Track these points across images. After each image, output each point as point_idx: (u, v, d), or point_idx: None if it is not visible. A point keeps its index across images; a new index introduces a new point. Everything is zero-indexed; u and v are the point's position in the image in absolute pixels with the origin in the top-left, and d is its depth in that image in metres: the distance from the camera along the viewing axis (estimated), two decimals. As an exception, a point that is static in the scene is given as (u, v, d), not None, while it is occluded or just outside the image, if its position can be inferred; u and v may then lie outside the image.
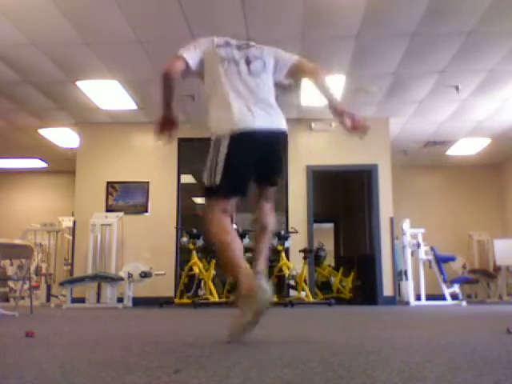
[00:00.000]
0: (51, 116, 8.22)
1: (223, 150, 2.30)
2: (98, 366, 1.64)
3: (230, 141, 2.30)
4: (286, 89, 6.67)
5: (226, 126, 2.33)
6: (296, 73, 2.69)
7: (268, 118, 2.40)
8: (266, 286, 2.13)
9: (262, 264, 2.50)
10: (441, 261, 8.31)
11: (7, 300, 8.42)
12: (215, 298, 7.08)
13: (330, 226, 12.68)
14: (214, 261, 7.42)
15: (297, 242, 7.85)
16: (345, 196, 10.92)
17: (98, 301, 7.59)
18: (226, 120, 2.35)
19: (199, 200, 13.61)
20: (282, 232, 7.71)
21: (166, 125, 2.62)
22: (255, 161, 2.40)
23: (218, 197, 2.34)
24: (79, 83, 6.94)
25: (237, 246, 2.29)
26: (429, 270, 8.38)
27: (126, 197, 8.37)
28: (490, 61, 6.24)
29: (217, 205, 2.33)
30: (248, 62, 2.50)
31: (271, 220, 2.58)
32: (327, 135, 8.45)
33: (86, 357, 1.89)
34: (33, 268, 8.47)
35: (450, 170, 11.05)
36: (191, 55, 2.52)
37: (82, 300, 7.45)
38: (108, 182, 8.39)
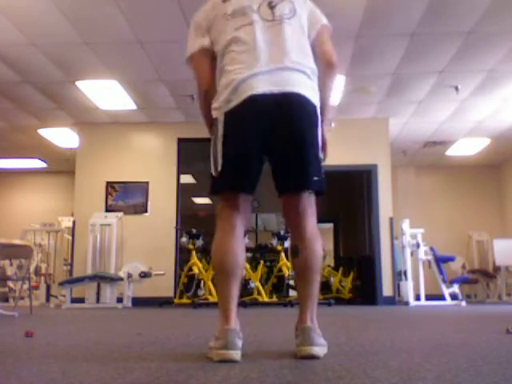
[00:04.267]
0: (51, 116, 8.22)
1: (220, 131, 1.85)
2: (97, 366, 1.64)
3: (225, 117, 1.84)
4: None
5: (221, 101, 1.86)
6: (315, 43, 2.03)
7: (281, 80, 1.82)
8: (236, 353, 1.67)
9: (307, 317, 1.82)
10: (440, 261, 8.32)
11: (7, 300, 8.41)
12: (215, 298, 7.08)
13: (330, 226, 12.69)
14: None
15: (296, 242, 7.83)
16: (344, 196, 10.92)
17: (98, 301, 7.59)
18: (221, 93, 1.87)
19: (199, 200, 13.61)
20: (282, 232, 7.71)
21: None
22: (264, 138, 1.81)
23: (222, 189, 1.88)
24: (79, 83, 6.94)
25: (235, 281, 1.87)
26: (428, 270, 8.38)
27: (126, 197, 8.37)
28: (489, 61, 6.24)
29: (222, 200, 1.90)
30: (271, 6, 1.94)
31: (315, 250, 1.84)
32: (327, 135, 8.44)
33: (86, 357, 1.89)
34: (32, 268, 8.47)
35: (449, 170, 11.05)
36: (196, 45, 2.06)
37: (81, 300, 7.45)
38: (107, 182, 8.39)
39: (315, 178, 1.88)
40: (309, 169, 1.86)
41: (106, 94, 7.33)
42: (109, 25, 5.44)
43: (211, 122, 1.95)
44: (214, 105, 1.90)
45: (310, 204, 1.91)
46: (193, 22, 2.11)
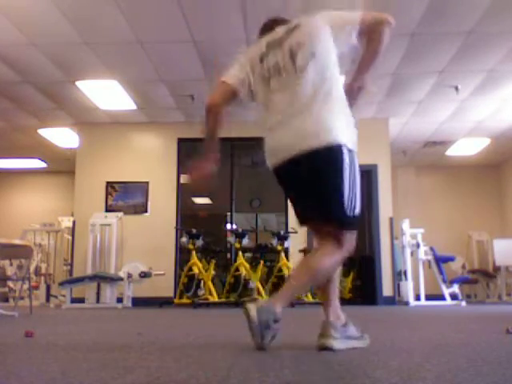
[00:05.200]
0: (51, 116, 8.22)
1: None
2: (97, 366, 1.64)
3: (275, 175, 2.15)
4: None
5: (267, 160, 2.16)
6: (362, 34, 2.09)
7: (293, 140, 2.01)
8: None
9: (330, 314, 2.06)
10: (440, 261, 8.31)
11: (7, 300, 8.41)
12: (215, 298, 7.08)
13: (330, 226, 12.66)
14: (213, 261, 7.43)
15: (296, 242, 7.84)
16: (344, 196, 10.90)
17: (98, 301, 7.59)
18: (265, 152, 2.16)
19: (199, 200, 13.62)
20: (282, 232, 7.71)
21: (205, 166, 2.19)
22: (298, 193, 2.11)
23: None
24: (79, 83, 6.93)
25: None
26: (428, 270, 8.38)
27: (126, 197, 8.37)
28: (489, 61, 6.24)
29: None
30: (293, 57, 2.07)
31: (319, 261, 2.03)
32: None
33: (86, 357, 1.89)
34: (32, 268, 8.47)
35: (449, 170, 11.05)
36: (235, 79, 2.18)
37: (81, 300, 7.45)
38: (107, 182, 8.39)
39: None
40: (322, 206, 2.07)
41: (106, 93, 7.33)
42: (109, 25, 5.44)
43: (212, 138, 2.20)
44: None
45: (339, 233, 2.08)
46: (246, 52, 2.29)
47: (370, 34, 2.06)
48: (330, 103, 2.00)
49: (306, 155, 1.96)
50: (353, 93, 2.13)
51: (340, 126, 1.98)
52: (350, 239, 2.09)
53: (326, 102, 2.00)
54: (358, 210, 2.04)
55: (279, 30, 2.21)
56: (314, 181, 2.00)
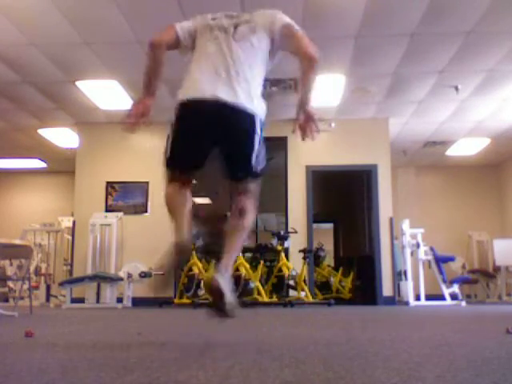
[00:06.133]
0: (51, 116, 8.22)
1: (173, 119, 2.24)
2: (97, 366, 1.64)
3: (179, 109, 2.22)
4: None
5: (179, 96, 2.24)
6: (286, 43, 2.40)
7: (230, 92, 2.16)
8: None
9: (227, 258, 2.20)
10: (440, 261, 8.31)
11: (7, 300, 8.41)
12: (215, 298, 7.07)
13: (330, 226, 12.68)
14: (213, 261, 7.42)
15: (296, 242, 7.84)
16: (344, 196, 10.92)
17: (98, 301, 7.59)
18: (182, 89, 2.26)
19: (199, 200, 13.61)
20: (282, 232, 7.71)
21: (140, 111, 2.34)
22: (209, 138, 2.21)
23: (168, 168, 2.29)
24: (79, 83, 6.94)
25: (180, 213, 2.31)
26: (428, 270, 8.37)
27: (126, 197, 8.37)
28: (489, 61, 6.24)
29: (168, 177, 2.30)
30: (235, 26, 2.32)
31: (245, 215, 2.26)
32: (327, 135, 8.45)
33: (86, 357, 1.89)
34: (32, 268, 8.47)
35: (449, 170, 11.05)
36: (182, 25, 2.39)
37: (81, 300, 7.45)
38: (107, 182, 8.39)
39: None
40: (243, 167, 2.27)
41: (106, 93, 7.33)
42: (109, 25, 5.44)
43: (150, 80, 2.38)
44: (180, 93, 2.27)
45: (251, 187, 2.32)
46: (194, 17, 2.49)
47: (299, 56, 2.39)
48: (257, 83, 2.28)
49: (235, 108, 2.16)
50: (308, 125, 2.34)
51: (260, 102, 2.26)
52: (257, 188, 2.34)
53: (256, 80, 2.26)
54: (260, 168, 2.28)
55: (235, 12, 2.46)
56: (237, 136, 2.22)
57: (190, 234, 2.34)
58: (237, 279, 7.22)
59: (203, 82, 2.20)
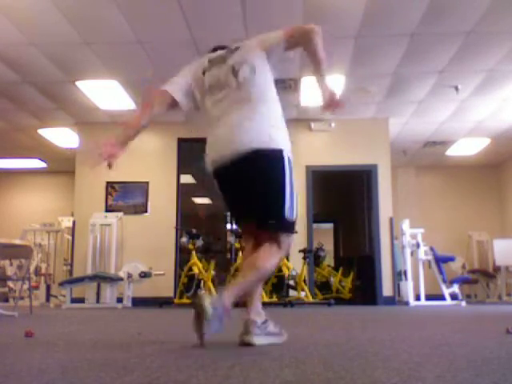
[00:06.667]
0: (51, 116, 8.22)
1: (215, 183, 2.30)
2: (97, 366, 1.64)
3: (214, 178, 2.28)
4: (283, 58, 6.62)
5: (207, 156, 2.29)
6: (294, 46, 2.35)
7: (239, 141, 2.14)
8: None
9: (229, 289, 2.08)
10: (440, 261, 8.31)
11: (7, 300, 8.41)
12: (215, 298, 7.06)
13: (330, 226, 12.69)
14: (213, 261, 7.43)
15: (296, 242, 7.84)
16: (344, 196, 10.92)
17: (98, 301, 7.59)
18: (206, 149, 2.29)
19: (199, 200, 13.62)
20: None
21: (111, 153, 2.29)
22: (239, 194, 2.23)
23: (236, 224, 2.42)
24: (79, 83, 6.94)
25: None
26: (428, 270, 8.38)
27: (126, 197, 8.37)
28: (489, 61, 6.24)
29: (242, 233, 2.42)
30: (236, 73, 2.27)
31: (263, 259, 2.12)
32: (327, 135, 8.46)
33: (86, 357, 1.89)
34: (32, 268, 8.47)
35: (449, 170, 11.05)
36: (174, 90, 2.36)
37: (81, 300, 7.45)
38: (107, 182, 8.39)
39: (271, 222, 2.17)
40: (265, 212, 2.18)
41: (106, 93, 7.33)
42: (109, 25, 5.44)
43: (136, 126, 2.35)
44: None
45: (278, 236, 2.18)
46: (183, 70, 2.46)
47: (301, 43, 2.30)
48: (270, 115, 2.19)
49: (250, 156, 2.10)
50: (332, 102, 2.29)
51: (281, 134, 2.18)
52: (288, 241, 2.22)
53: (266, 114, 2.18)
54: (295, 215, 2.18)
55: (221, 51, 2.42)
56: (258, 180, 2.13)
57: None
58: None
59: (219, 144, 2.21)
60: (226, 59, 2.34)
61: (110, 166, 2.32)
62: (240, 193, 2.21)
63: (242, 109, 2.20)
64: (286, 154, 2.14)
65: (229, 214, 2.31)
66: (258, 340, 2.12)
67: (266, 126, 2.16)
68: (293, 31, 2.29)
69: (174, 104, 2.37)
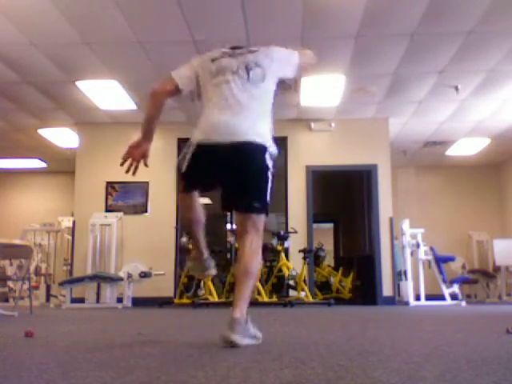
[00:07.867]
0: (51, 116, 8.22)
1: (190, 152, 2.37)
2: (97, 366, 1.64)
3: (195, 147, 2.37)
4: (286, 89, 6.67)
5: (195, 135, 2.39)
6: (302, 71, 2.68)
7: (237, 130, 2.33)
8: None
9: (237, 311, 2.17)
10: (440, 261, 8.31)
11: (7, 300, 8.41)
12: (215, 298, 7.08)
13: (330, 226, 12.68)
14: (213, 261, 7.41)
15: (296, 242, 7.84)
16: (344, 196, 10.92)
17: (98, 301, 7.59)
18: (197, 130, 2.41)
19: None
20: (282, 232, 7.71)
21: (138, 153, 2.59)
22: (219, 173, 2.36)
23: (181, 179, 2.47)
24: (79, 83, 6.93)
25: (196, 225, 2.52)
26: (428, 270, 8.37)
27: (126, 197, 8.37)
28: (489, 61, 6.24)
29: (180, 184, 2.49)
30: (248, 70, 2.44)
31: (251, 261, 2.30)
32: (327, 135, 8.45)
33: (86, 357, 1.89)
34: (32, 268, 8.47)
35: (449, 170, 11.05)
36: (180, 74, 2.50)
37: (81, 300, 7.45)
38: (107, 182, 8.39)
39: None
40: (248, 197, 2.39)
41: (106, 93, 7.33)
42: (109, 25, 5.44)
43: (150, 126, 2.63)
44: (196, 131, 2.41)
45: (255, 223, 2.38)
46: (191, 60, 2.59)
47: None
48: (266, 120, 2.43)
49: (247, 145, 2.30)
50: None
51: (270, 139, 2.40)
52: (263, 223, 2.42)
53: (265, 118, 2.42)
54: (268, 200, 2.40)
55: (237, 50, 2.56)
56: (249, 169, 2.34)
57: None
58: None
59: (215, 127, 2.36)
60: (243, 54, 2.49)
61: (146, 164, 2.64)
62: (229, 178, 2.35)
63: (244, 98, 2.37)
64: (270, 149, 2.38)
65: (184, 174, 2.46)
66: (241, 340, 2.12)
67: (261, 127, 2.40)
68: (307, 66, 2.67)
69: (178, 91, 2.50)
